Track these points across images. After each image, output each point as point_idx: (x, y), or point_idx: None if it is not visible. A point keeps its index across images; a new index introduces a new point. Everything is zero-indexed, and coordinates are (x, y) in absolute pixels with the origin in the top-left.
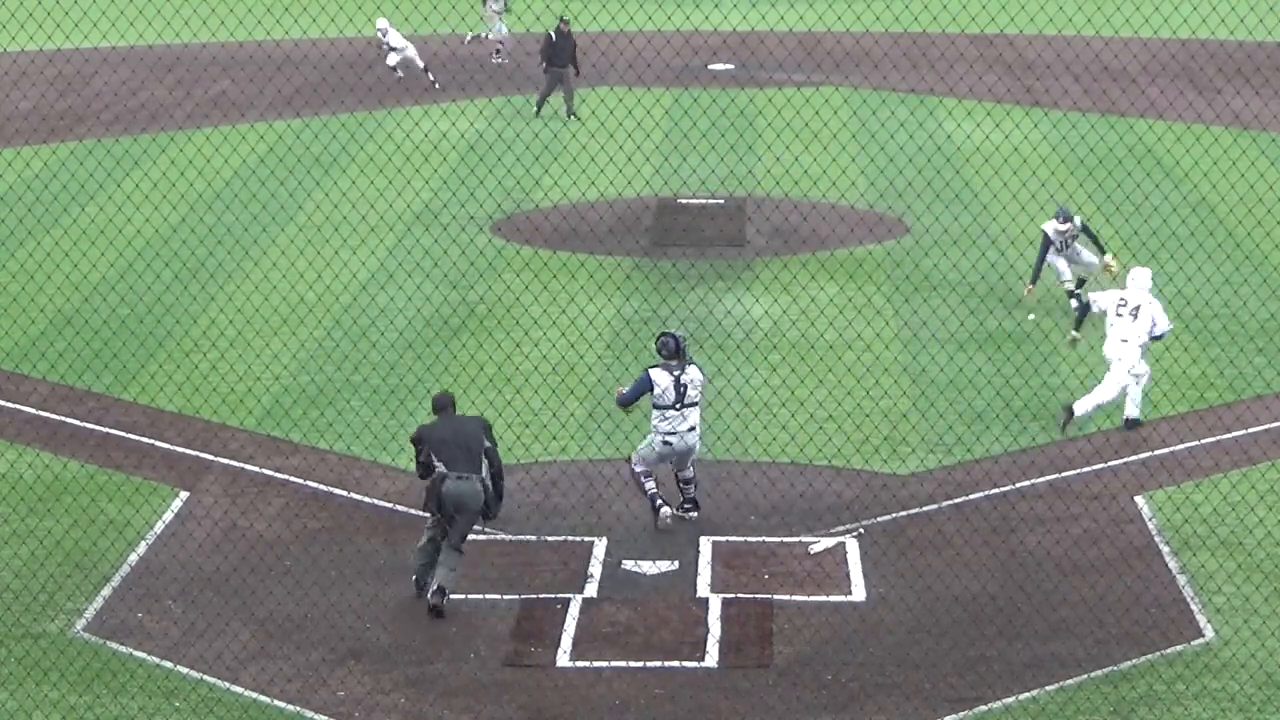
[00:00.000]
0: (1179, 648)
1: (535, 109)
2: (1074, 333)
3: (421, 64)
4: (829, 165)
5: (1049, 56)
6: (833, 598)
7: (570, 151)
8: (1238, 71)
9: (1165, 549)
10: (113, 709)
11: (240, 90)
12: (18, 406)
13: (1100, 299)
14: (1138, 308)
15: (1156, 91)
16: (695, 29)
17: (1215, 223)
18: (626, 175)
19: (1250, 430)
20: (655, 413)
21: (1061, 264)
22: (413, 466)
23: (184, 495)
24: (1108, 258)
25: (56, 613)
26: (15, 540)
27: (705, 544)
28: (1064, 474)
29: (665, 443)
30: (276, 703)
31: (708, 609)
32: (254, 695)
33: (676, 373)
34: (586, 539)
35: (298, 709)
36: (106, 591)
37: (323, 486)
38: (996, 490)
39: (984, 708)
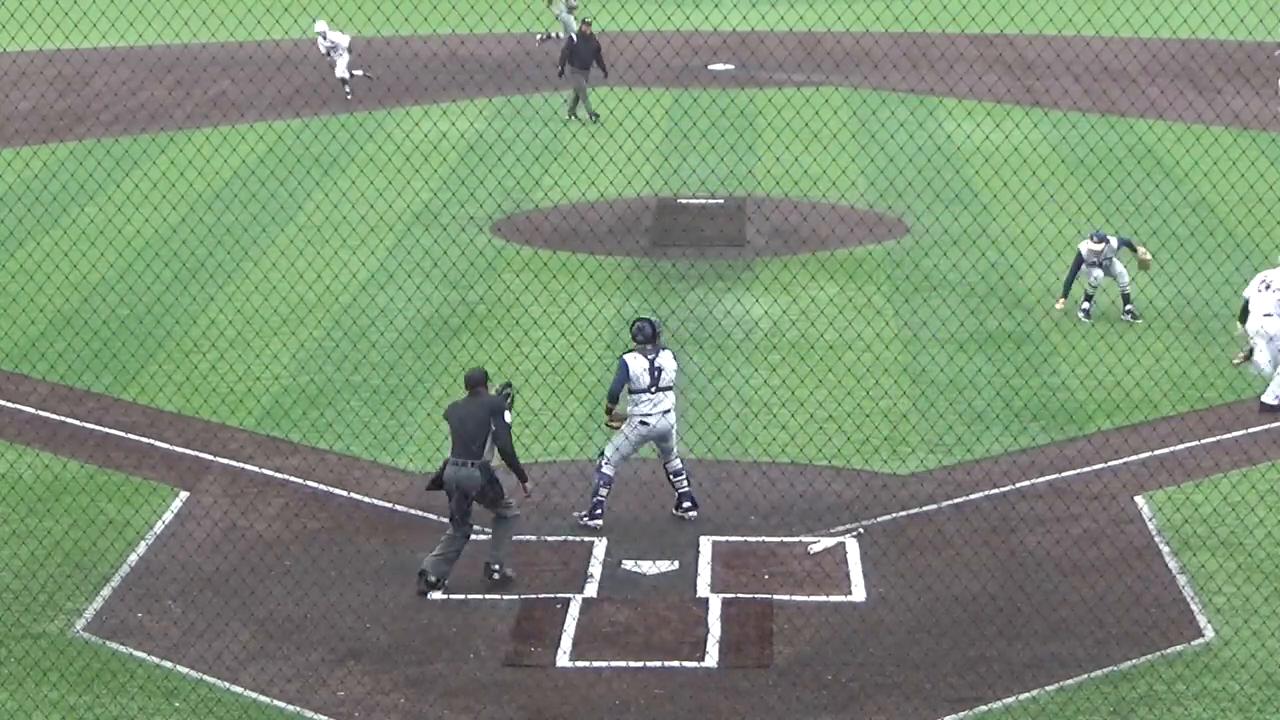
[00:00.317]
0: (1179, 648)
1: (591, 116)
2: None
3: (347, 73)
4: (829, 165)
5: (1049, 56)
6: (833, 598)
7: (570, 151)
8: (1238, 71)
9: (1165, 549)
10: (113, 709)
11: (240, 90)
12: (18, 406)
13: (1248, 290)
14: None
15: (1156, 91)
16: (695, 29)
17: (1215, 223)
18: (626, 175)
19: (1250, 430)
20: (631, 397)
21: (1097, 273)
22: (412, 466)
23: (184, 495)
24: (1141, 251)
25: (56, 613)
26: (15, 540)
27: (705, 544)
28: (1064, 474)
29: (642, 423)
30: (276, 703)
31: (708, 609)
32: (254, 695)
33: (651, 356)
34: (586, 539)
35: (298, 709)
36: (106, 591)
37: (322, 486)
38: (996, 490)
39: (984, 708)
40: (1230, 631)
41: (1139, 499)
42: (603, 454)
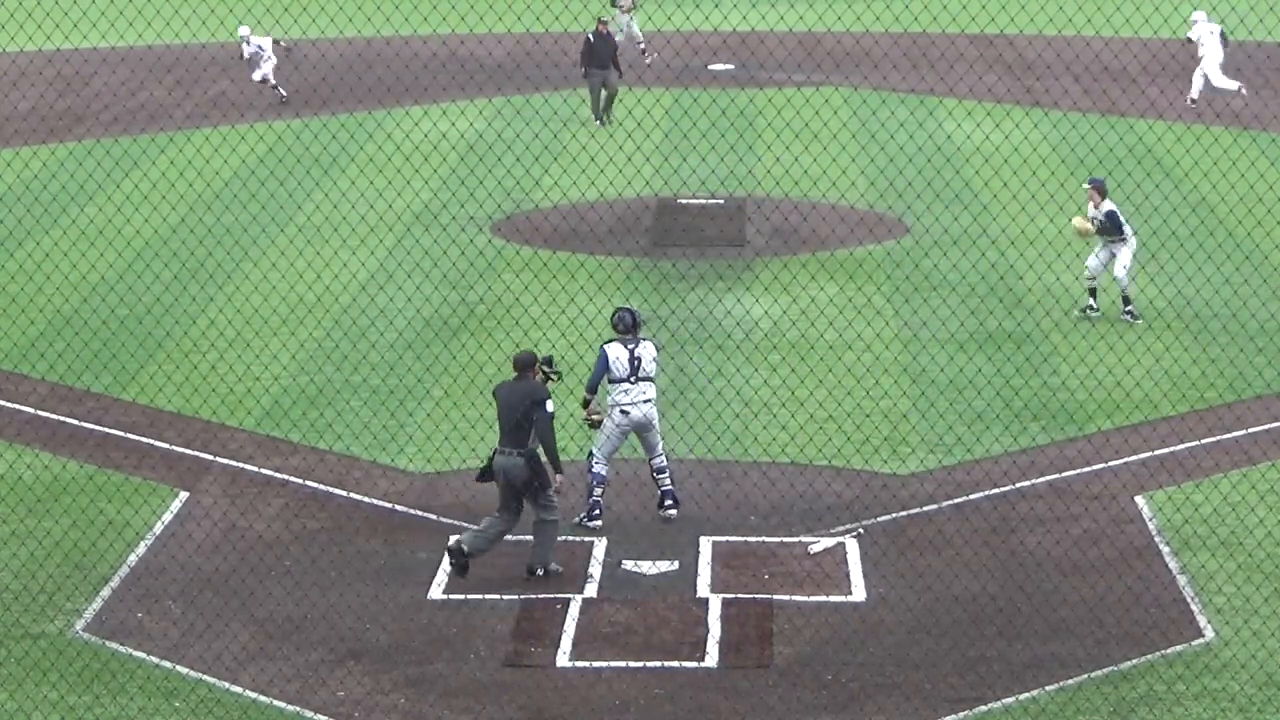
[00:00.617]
0: (1179, 648)
1: (597, 119)
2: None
3: (274, 80)
4: (829, 165)
5: (1049, 56)
6: (833, 598)
7: (570, 151)
8: (1238, 71)
9: (1165, 549)
10: (112, 709)
11: (240, 90)
12: (17, 406)
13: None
14: None
15: (1156, 91)
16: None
17: (1215, 223)
18: (626, 175)
19: (1250, 430)
20: (611, 387)
21: (1093, 262)
22: (412, 466)
23: (184, 495)
24: (1075, 219)
25: (56, 613)
26: (15, 540)
27: (705, 544)
28: (1064, 474)
29: (623, 412)
30: (276, 703)
31: (708, 609)
32: (254, 695)
33: (631, 346)
34: (586, 539)
35: (298, 709)
36: (106, 592)
37: (322, 486)
38: (996, 490)
39: (984, 708)
40: (1230, 631)
41: (1139, 499)
42: (591, 454)
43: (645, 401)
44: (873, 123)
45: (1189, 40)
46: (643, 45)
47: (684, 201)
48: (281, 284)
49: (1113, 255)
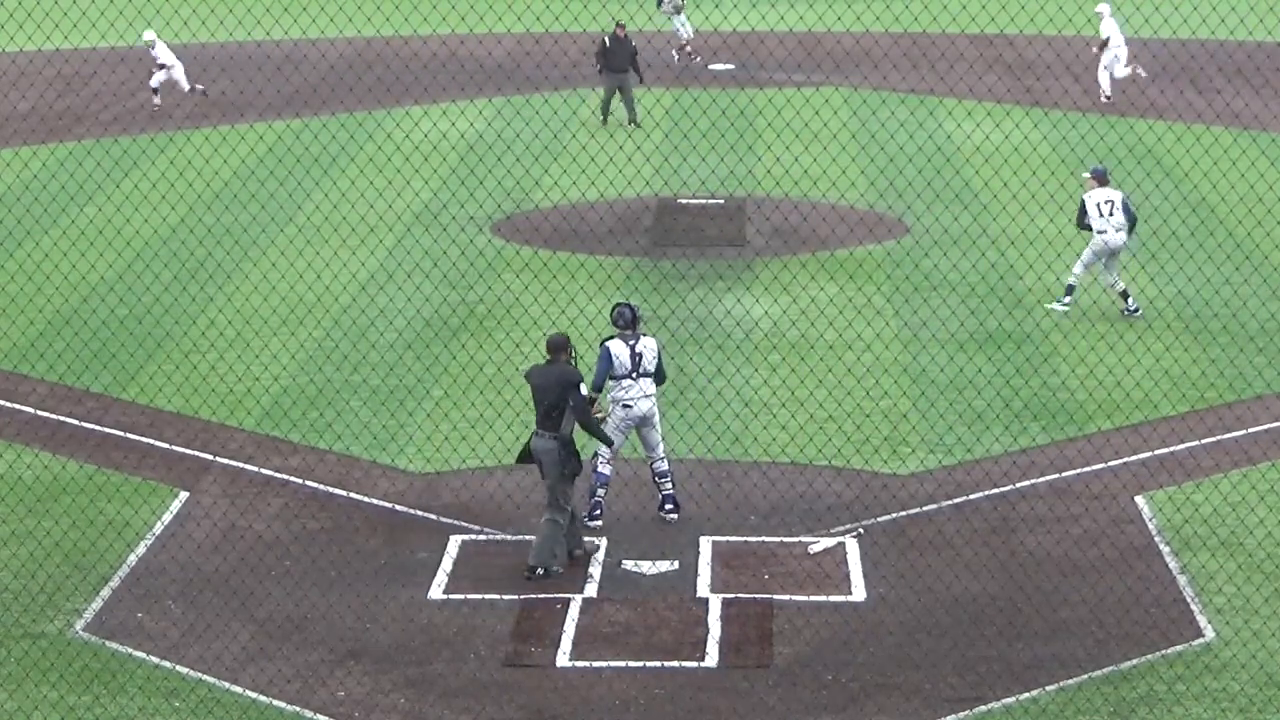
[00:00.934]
0: (1179, 648)
1: (601, 119)
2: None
3: (187, 86)
4: (829, 165)
5: (1049, 56)
6: (833, 598)
7: (570, 151)
8: (1238, 71)
9: (1165, 549)
10: (112, 709)
11: (240, 90)
12: (17, 406)
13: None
14: None
15: (1156, 91)
16: (695, 29)
17: (1215, 223)
18: (626, 175)
19: (1250, 430)
20: (612, 383)
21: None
22: (412, 466)
23: (184, 495)
24: None
25: (56, 613)
26: (15, 540)
27: (705, 544)
28: (1064, 474)
29: (625, 406)
30: (276, 703)
31: (708, 609)
32: (254, 695)
33: (632, 342)
34: (587, 539)
35: (298, 709)
36: (106, 592)
37: (322, 486)
38: (996, 490)
39: (984, 708)
40: (1230, 631)
41: (1139, 499)
42: (596, 454)
43: (645, 397)
44: (873, 123)
45: (1104, 37)
46: (689, 48)
47: (684, 201)
48: (281, 284)
49: (1112, 254)
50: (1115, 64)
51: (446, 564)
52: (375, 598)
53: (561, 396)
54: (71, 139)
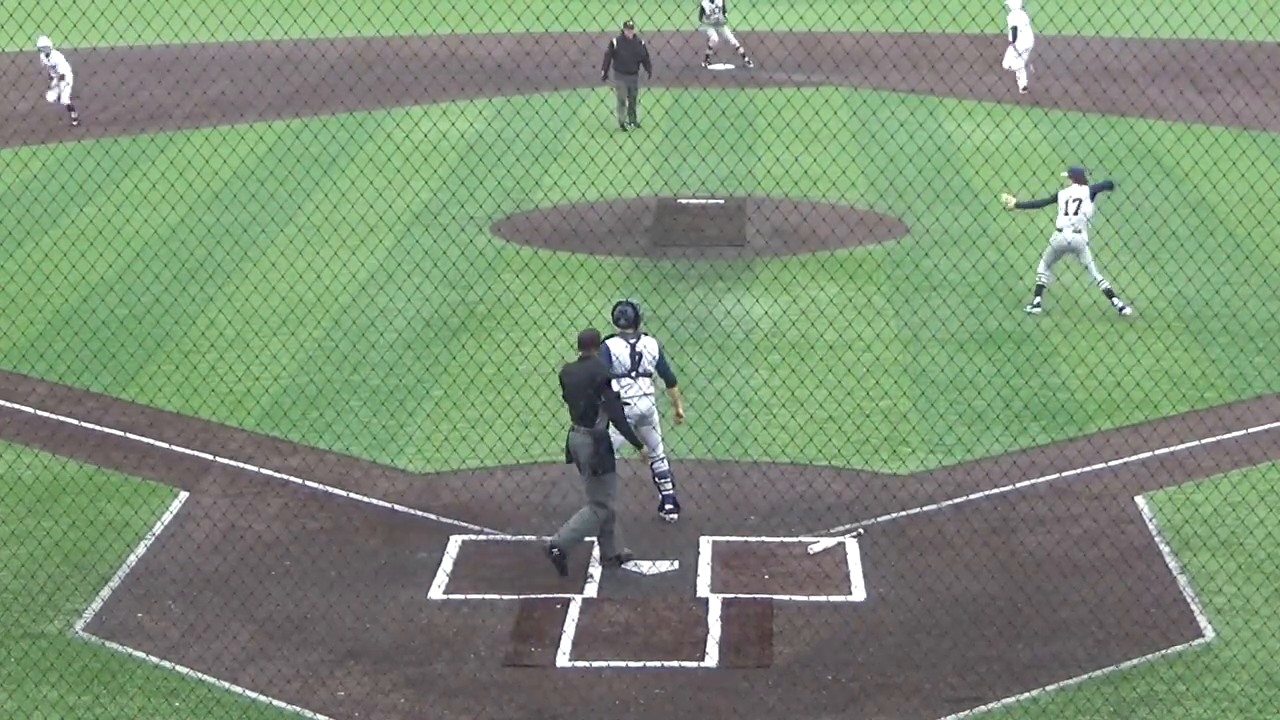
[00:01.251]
0: (1179, 648)
1: (619, 124)
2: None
3: (68, 100)
4: (829, 165)
5: (1049, 56)
6: (833, 598)
7: (570, 151)
8: (1238, 71)
9: (1165, 549)
10: (112, 709)
11: (240, 90)
12: (18, 406)
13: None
14: None
15: (1156, 91)
16: (696, 29)
17: (1215, 223)
18: (626, 175)
19: (1250, 430)
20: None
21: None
22: (412, 466)
23: (184, 495)
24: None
25: (56, 613)
26: (15, 540)
27: (705, 544)
28: (1064, 474)
29: (624, 405)
30: (276, 703)
31: (708, 609)
32: (254, 695)
33: (632, 341)
34: (587, 539)
35: (297, 709)
36: (106, 592)
37: (322, 486)
38: (996, 490)
39: (984, 708)
40: (1230, 632)
41: (1139, 499)
42: None
43: (644, 396)
44: (873, 123)
45: (1011, 26)
46: (741, 50)
47: (684, 201)
48: (281, 284)
49: (1072, 251)
50: (1016, 56)
51: (446, 564)
52: (375, 598)
53: (595, 394)
54: (71, 139)
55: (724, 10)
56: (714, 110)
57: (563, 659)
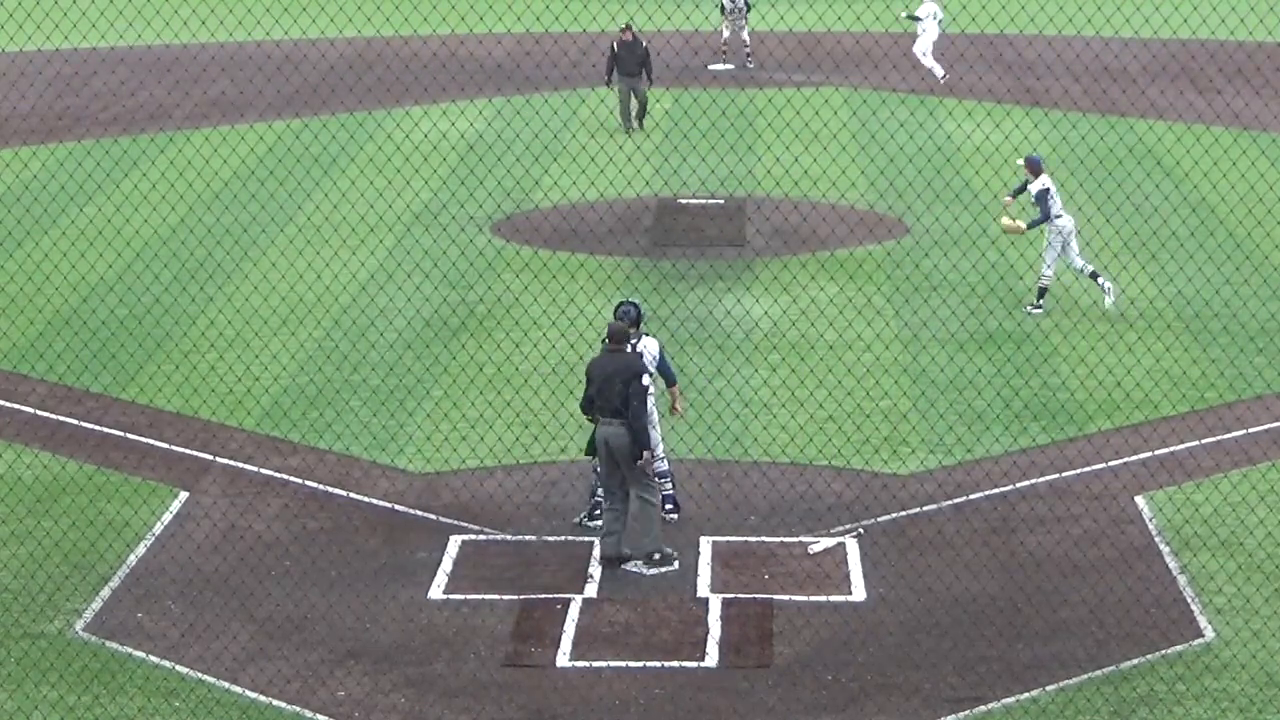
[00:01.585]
0: (1179, 648)
1: (627, 129)
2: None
3: None
4: (829, 165)
5: (1049, 56)
6: (833, 598)
7: (570, 151)
8: (1238, 71)
9: (1165, 549)
10: (112, 709)
11: (240, 90)
12: (18, 406)
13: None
14: None
15: (1156, 91)
16: (695, 29)
17: (1215, 223)
18: (626, 175)
19: (1250, 430)
20: None
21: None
22: (412, 466)
23: (184, 495)
24: (1003, 220)
25: (56, 613)
26: (15, 540)
27: (705, 544)
28: (1064, 474)
29: None
30: (276, 703)
31: (708, 609)
32: (254, 695)
33: (634, 341)
34: (586, 539)
35: (297, 709)
36: (106, 592)
37: (322, 486)
38: (996, 490)
39: (984, 708)
40: (1230, 632)
41: (1139, 499)
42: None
43: None
44: (873, 123)
45: (914, 18)
46: (749, 50)
47: (684, 201)
48: (281, 284)
49: (1065, 243)
50: (924, 49)
51: (446, 564)
52: (375, 598)
53: (628, 385)
54: (71, 139)
55: (747, 8)
56: (714, 110)
57: (563, 659)
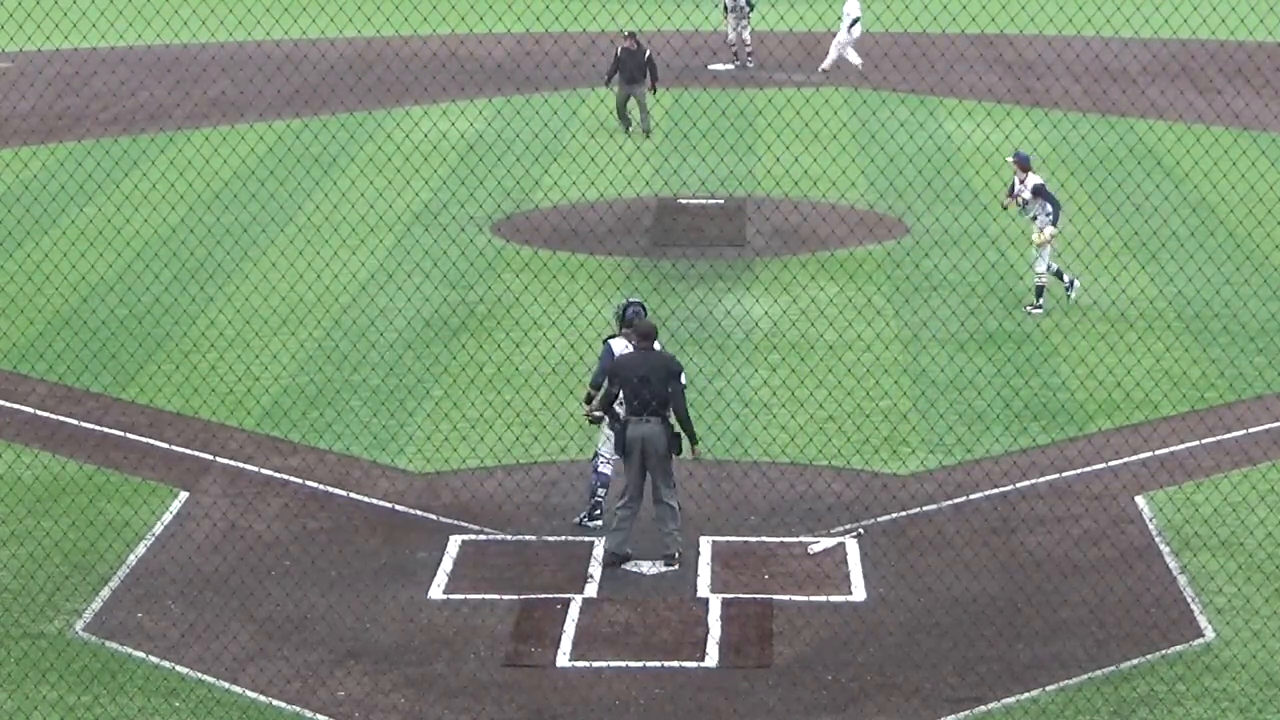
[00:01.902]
0: (1179, 648)
1: (626, 129)
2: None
3: None
4: (829, 165)
5: (1049, 56)
6: (833, 598)
7: (570, 151)
8: (1238, 71)
9: (1165, 549)
10: (112, 709)
11: (240, 90)
12: (18, 406)
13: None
14: None
15: (1156, 91)
16: (695, 29)
17: (1215, 223)
18: (626, 175)
19: (1250, 430)
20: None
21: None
22: (412, 466)
23: (184, 495)
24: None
25: (56, 613)
26: (15, 540)
27: (705, 544)
28: (1064, 474)
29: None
30: (276, 703)
31: (708, 609)
32: (254, 695)
33: (610, 337)
34: (586, 539)
35: (298, 709)
36: (106, 592)
37: (322, 486)
38: (996, 490)
39: (984, 708)
40: (1230, 632)
41: (1139, 499)
42: (597, 454)
43: None
44: (873, 123)
45: (851, 18)
46: (750, 49)
47: (684, 201)
48: (281, 284)
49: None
50: (844, 44)
51: (446, 564)
52: (375, 598)
53: (664, 382)
54: (71, 139)
55: (749, 8)
56: (714, 110)
57: (563, 659)
